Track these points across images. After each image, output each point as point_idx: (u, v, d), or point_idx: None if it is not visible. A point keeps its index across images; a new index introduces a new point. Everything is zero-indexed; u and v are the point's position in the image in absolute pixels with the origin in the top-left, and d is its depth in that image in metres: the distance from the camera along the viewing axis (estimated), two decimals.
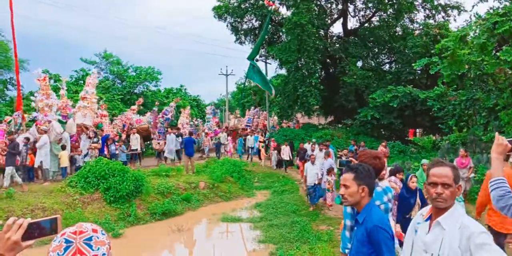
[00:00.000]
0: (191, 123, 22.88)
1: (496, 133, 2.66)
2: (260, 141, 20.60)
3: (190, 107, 24.59)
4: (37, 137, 11.63)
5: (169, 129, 18.43)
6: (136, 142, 16.29)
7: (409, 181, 5.79)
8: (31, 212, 8.59)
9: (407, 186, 5.80)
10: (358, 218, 2.42)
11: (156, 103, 22.55)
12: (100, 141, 13.98)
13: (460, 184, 2.04)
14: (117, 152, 14.17)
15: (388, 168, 6.33)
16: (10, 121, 13.96)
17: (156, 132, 18.21)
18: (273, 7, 22.77)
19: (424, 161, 9.06)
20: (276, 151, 18.18)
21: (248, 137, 21.56)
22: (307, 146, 15.29)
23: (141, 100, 21.96)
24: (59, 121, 12.73)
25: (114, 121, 18.72)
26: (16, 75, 14.50)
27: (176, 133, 16.94)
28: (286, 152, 17.12)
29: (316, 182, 10.27)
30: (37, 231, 1.34)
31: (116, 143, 14.65)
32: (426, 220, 2.11)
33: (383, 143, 15.76)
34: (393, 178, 6.25)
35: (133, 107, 20.22)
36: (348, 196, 2.40)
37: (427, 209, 2.15)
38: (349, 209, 2.86)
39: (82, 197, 9.83)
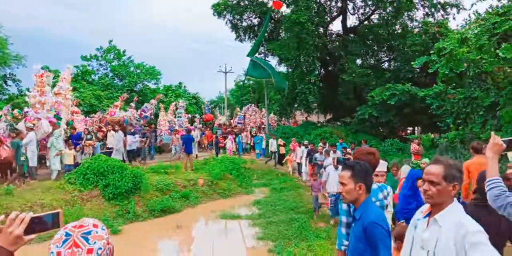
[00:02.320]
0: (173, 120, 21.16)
1: (492, 132, 2.68)
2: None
3: (182, 103, 23.22)
4: (23, 134, 11.33)
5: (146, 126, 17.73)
6: (111, 140, 14.76)
7: None
8: (30, 209, 8.60)
9: None
10: (355, 215, 2.45)
11: (158, 96, 22.24)
12: (94, 138, 14.02)
13: (456, 183, 2.05)
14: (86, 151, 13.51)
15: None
16: (0, 116, 13.96)
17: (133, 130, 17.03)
18: (276, 8, 22.76)
19: (425, 160, 8.90)
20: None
21: (242, 134, 21.64)
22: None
23: (125, 95, 20.67)
24: (56, 117, 12.68)
25: (91, 118, 18.03)
26: None
27: (132, 131, 15.43)
28: (273, 145, 17.97)
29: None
30: (39, 226, 1.36)
31: (88, 141, 13.88)
32: (425, 217, 2.16)
33: (416, 140, 13.85)
34: None
35: (116, 103, 18.88)
36: (346, 193, 2.43)
37: (427, 206, 2.19)
38: (344, 206, 2.90)
39: (81, 194, 9.85)
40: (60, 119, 13.02)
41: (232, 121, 29.24)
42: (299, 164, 15.42)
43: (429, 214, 2.13)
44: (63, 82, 14.06)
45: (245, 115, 28.29)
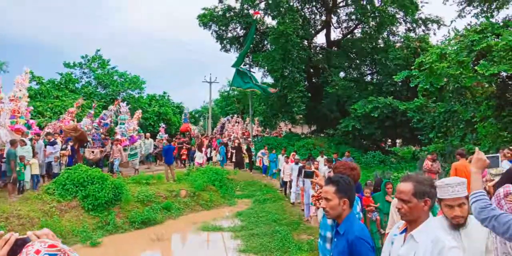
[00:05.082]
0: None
1: (476, 148, 2.79)
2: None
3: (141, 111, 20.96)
4: (17, 143, 10.66)
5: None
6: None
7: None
8: (6, 220, 8.34)
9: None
10: (338, 230, 2.44)
11: (79, 101, 19.22)
12: (69, 148, 13.52)
13: (427, 198, 2.08)
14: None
15: None
16: None
17: (90, 139, 15.44)
18: (258, 16, 23.04)
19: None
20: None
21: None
22: (320, 160, 13.64)
23: (80, 101, 18.71)
24: (26, 125, 12.09)
25: (46, 127, 16.22)
26: None
27: (51, 140, 13.05)
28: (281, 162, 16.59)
29: None
30: (21, 248, 1.31)
31: (62, 151, 13.12)
32: (402, 232, 2.20)
33: (430, 156, 10.74)
34: None
35: (71, 109, 16.76)
36: (330, 209, 2.43)
37: (403, 222, 2.21)
38: (329, 221, 2.89)
39: (59, 205, 9.61)
40: (29, 127, 12.37)
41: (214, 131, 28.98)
42: (285, 183, 13.78)
43: (405, 230, 2.16)
44: (17, 87, 12.76)
45: (223, 125, 28.18)
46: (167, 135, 22.79)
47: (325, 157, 13.98)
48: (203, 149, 19.77)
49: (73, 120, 16.02)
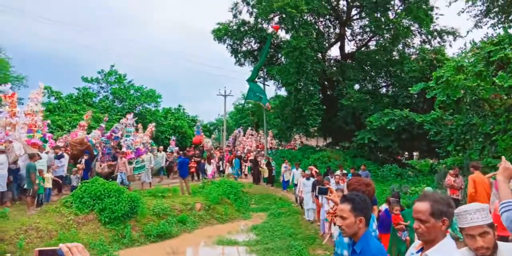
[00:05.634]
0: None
1: (503, 157, 2.75)
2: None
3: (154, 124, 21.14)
4: (36, 156, 10.81)
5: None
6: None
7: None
8: (25, 232, 8.47)
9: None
10: (355, 248, 2.42)
11: (151, 124, 20.32)
12: (83, 162, 13.56)
13: (445, 218, 2.04)
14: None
15: None
16: None
17: (100, 153, 15.22)
18: (274, 30, 23.28)
19: (428, 189, 8.00)
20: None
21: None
22: (339, 174, 12.68)
23: (89, 113, 18.40)
24: (42, 139, 12.12)
25: (57, 140, 15.97)
26: None
27: (59, 153, 12.82)
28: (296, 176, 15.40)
29: None
30: None
31: (78, 165, 13.22)
32: (418, 251, 2.18)
33: (452, 171, 10.34)
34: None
35: (81, 122, 16.30)
36: (346, 227, 2.42)
37: (420, 241, 2.20)
38: (346, 239, 2.87)
39: (76, 218, 9.73)
40: (46, 141, 12.45)
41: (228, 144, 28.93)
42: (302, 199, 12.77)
43: (422, 250, 2.14)
44: (33, 102, 12.87)
45: (235, 138, 28.20)
46: (177, 148, 22.63)
47: (344, 171, 13.79)
48: (212, 161, 19.46)
49: (83, 133, 15.76)
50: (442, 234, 2.06)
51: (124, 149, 15.49)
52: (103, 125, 17.25)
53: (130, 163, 15.05)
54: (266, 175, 19.79)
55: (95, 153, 14.97)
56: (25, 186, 10.61)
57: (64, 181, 13.04)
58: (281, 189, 18.23)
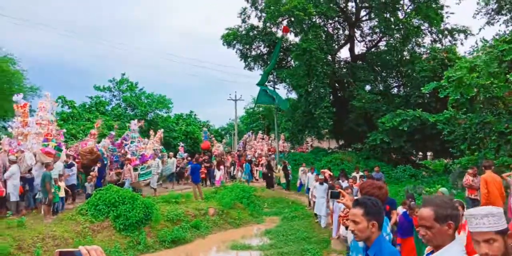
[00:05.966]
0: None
1: None
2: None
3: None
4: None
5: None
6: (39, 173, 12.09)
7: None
8: (42, 241, 8.60)
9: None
10: (368, 253, 2.41)
11: (160, 131, 20.47)
12: (96, 170, 13.64)
13: (450, 222, 2.01)
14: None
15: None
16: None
17: (108, 161, 15.21)
18: (284, 33, 23.31)
19: (443, 189, 7.39)
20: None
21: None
22: (356, 176, 12.74)
23: (99, 121, 18.33)
24: (57, 148, 12.12)
25: (68, 149, 15.39)
26: None
27: (69, 163, 12.90)
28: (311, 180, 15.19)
29: None
30: None
31: (91, 172, 13.33)
32: (428, 254, 2.20)
33: (471, 170, 9.81)
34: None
35: (92, 131, 16.23)
36: (358, 232, 2.40)
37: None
38: (361, 243, 2.85)
39: (92, 225, 9.83)
40: (60, 150, 12.47)
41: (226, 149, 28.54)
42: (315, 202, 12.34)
43: (432, 252, 2.14)
44: (42, 111, 12.75)
45: (245, 142, 28.17)
46: (186, 154, 22.47)
47: (360, 173, 13.62)
48: (221, 167, 18.97)
49: (92, 142, 15.66)
50: (450, 238, 2.05)
51: (128, 156, 15.32)
52: (113, 133, 17.20)
53: (135, 169, 14.89)
54: (282, 180, 19.40)
55: (104, 161, 15.02)
56: (37, 196, 10.74)
57: (74, 190, 13.07)
58: (294, 192, 18.15)
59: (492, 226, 1.90)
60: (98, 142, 16.20)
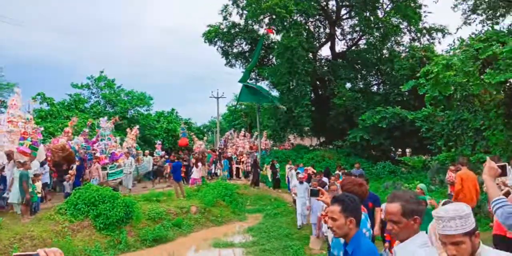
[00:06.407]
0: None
1: (488, 157, 2.84)
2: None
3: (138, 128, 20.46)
4: (28, 164, 10.44)
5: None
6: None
7: None
8: (19, 241, 8.40)
9: None
10: (347, 249, 2.45)
11: (135, 128, 19.84)
12: (74, 169, 13.27)
13: (416, 217, 2.08)
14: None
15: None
16: None
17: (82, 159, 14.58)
18: (269, 33, 23.37)
19: (421, 185, 7.31)
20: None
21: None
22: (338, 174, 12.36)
23: (74, 119, 17.85)
24: (31, 147, 11.72)
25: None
26: None
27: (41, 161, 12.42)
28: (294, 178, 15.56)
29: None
30: None
31: (70, 171, 12.99)
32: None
33: (453, 167, 9.63)
34: None
35: (66, 129, 15.80)
36: (337, 228, 2.44)
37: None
38: (342, 240, 2.90)
39: (71, 225, 9.65)
40: (36, 149, 11.99)
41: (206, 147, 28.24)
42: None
43: None
44: (12, 109, 12.30)
45: (226, 140, 28.10)
46: (164, 152, 21.83)
47: (343, 170, 13.71)
48: (199, 164, 17.51)
49: (69, 140, 15.17)
50: (415, 232, 2.11)
51: (97, 154, 14.77)
52: (86, 130, 16.67)
53: (104, 168, 14.43)
54: (270, 178, 19.06)
55: (76, 159, 14.43)
56: (4, 195, 10.44)
57: (45, 188, 12.57)
58: (281, 190, 18.11)
59: (459, 228, 1.85)
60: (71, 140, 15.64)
